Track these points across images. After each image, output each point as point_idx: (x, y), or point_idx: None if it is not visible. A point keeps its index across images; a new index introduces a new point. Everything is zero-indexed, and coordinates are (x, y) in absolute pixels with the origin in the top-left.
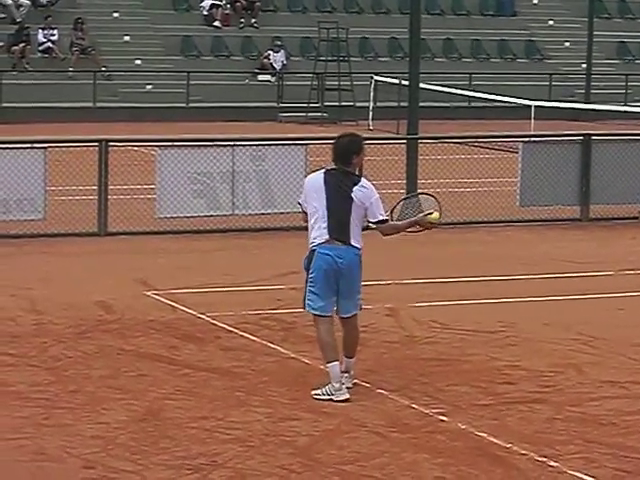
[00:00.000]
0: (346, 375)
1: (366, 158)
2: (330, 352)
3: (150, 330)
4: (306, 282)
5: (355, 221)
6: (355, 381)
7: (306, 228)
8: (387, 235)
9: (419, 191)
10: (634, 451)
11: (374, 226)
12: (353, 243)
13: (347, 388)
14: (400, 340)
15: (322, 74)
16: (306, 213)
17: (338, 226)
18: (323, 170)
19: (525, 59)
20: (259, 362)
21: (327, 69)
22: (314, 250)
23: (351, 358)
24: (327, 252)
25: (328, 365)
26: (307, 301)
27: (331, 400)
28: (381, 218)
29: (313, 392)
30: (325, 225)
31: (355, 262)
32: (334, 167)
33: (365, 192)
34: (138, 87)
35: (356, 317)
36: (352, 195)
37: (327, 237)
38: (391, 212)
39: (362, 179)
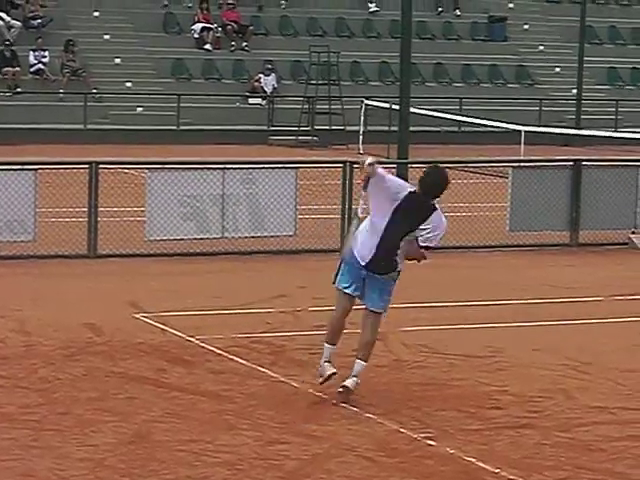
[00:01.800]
0: (352, 379)
1: (356, 182)
2: (329, 333)
3: (139, 353)
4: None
5: (403, 245)
6: (344, 405)
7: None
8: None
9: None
10: (622, 477)
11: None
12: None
13: (344, 387)
14: (389, 364)
15: (313, 98)
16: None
17: (384, 254)
18: (410, 188)
19: (516, 84)
20: (248, 385)
21: (318, 93)
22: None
23: (362, 361)
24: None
25: (326, 345)
26: (338, 276)
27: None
28: (423, 244)
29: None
30: (373, 246)
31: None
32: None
33: (437, 220)
34: (129, 109)
35: (377, 320)
36: (421, 226)
37: (368, 259)
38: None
39: (437, 210)
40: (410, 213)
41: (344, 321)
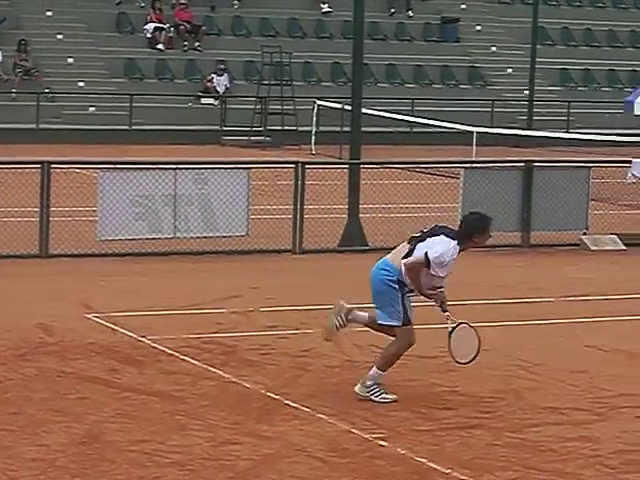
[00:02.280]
0: (360, 383)
1: (308, 182)
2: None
3: (91, 353)
4: None
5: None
6: (295, 405)
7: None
8: (407, 276)
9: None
10: (573, 477)
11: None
12: (388, 261)
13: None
14: (340, 365)
15: (265, 98)
16: None
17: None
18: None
19: (468, 85)
20: (200, 386)
21: (270, 93)
22: None
23: (376, 368)
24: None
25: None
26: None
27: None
28: (429, 256)
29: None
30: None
31: (380, 279)
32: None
33: (447, 243)
34: (81, 109)
35: (396, 331)
36: (435, 238)
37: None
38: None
39: (456, 240)
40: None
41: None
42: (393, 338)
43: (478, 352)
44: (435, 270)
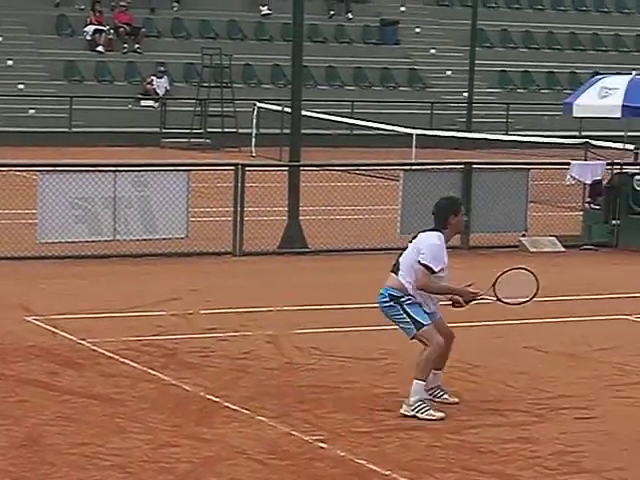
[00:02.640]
0: (405, 403)
1: (248, 185)
2: None
3: (30, 356)
4: None
5: (406, 260)
6: (235, 407)
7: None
8: (420, 288)
9: (527, 270)
10: (512, 479)
11: (417, 266)
12: (399, 278)
13: (407, 406)
14: (280, 367)
15: (205, 100)
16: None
17: (393, 271)
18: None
19: (407, 87)
20: (139, 389)
21: (210, 95)
22: None
23: (415, 380)
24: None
25: None
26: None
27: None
28: (422, 262)
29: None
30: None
31: (381, 303)
32: None
33: (427, 236)
34: (21, 111)
35: (419, 338)
36: (417, 237)
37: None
38: (493, 285)
39: (437, 231)
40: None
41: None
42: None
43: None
44: (433, 265)
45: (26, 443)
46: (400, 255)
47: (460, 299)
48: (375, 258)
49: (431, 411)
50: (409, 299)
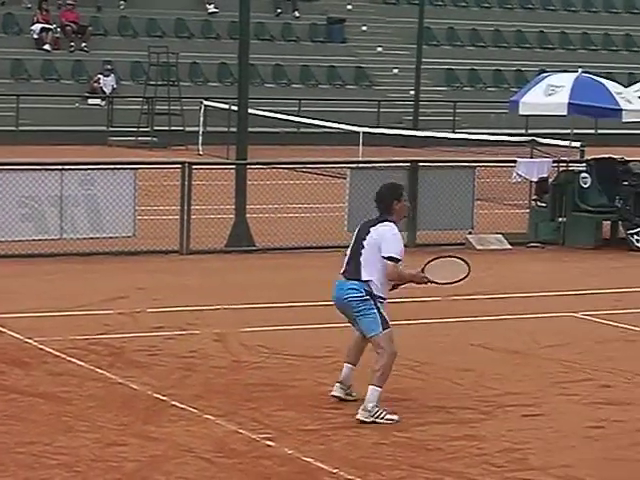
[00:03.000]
0: (361, 409)
1: (195, 183)
2: (345, 355)
3: None
4: None
5: (368, 256)
6: (182, 406)
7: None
8: (391, 279)
9: (455, 255)
10: (459, 476)
11: (384, 260)
12: (362, 278)
13: (360, 420)
14: (228, 365)
15: (152, 98)
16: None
17: (349, 262)
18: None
19: (354, 85)
20: (86, 387)
21: (157, 93)
22: None
23: (372, 386)
24: (336, 284)
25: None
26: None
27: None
28: (389, 255)
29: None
30: (344, 262)
31: (352, 292)
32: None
33: (383, 229)
34: None
35: (377, 340)
36: (369, 233)
37: (340, 273)
38: (424, 265)
39: (387, 221)
40: (364, 225)
41: (354, 345)
42: None
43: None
44: (399, 255)
45: None
46: (353, 253)
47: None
48: (322, 256)
49: (389, 415)
50: (381, 299)
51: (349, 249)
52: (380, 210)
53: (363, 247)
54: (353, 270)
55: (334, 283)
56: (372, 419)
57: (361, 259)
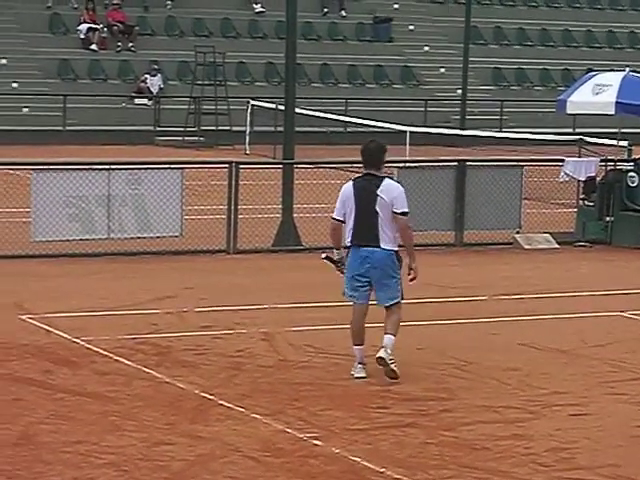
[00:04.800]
0: (383, 350)
1: (242, 183)
2: (354, 338)
3: (25, 354)
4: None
5: (385, 222)
6: (229, 405)
7: None
8: (405, 236)
9: None
10: (507, 476)
11: (398, 216)
12: (382, 246)
13: (380, 357)
14: (275, 364)
15: (199, 98)
16: (340, 221)
17: (364, 230)
18: (351, 180)
19: (401, 85)
20: (134, 387)
21: (204, 93)
22: (348, 248)
23: (391, 335)
24: (358, 253)
25: (353, 347)
26: (345, 287)
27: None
28: (402, 210)
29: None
30: (352, 230)
31: (385, 261)
32: (361, 175)
33: (389, 187)
34: (15, 110)
35: (397, 305)
36: (377, 193)
37: (352, 242)
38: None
39: (386, 178)
40: (364, 187)
41: (361, 323)
42: None
43: None
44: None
45: (21, 441)
46: (367, 220)
47: None
48: None
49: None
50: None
51: (353, 215)
52: (371, 166)
53: (377, 213)
54: (372, 238)
55: (356, 251)
56: (392, 361)
57: (379, 227)
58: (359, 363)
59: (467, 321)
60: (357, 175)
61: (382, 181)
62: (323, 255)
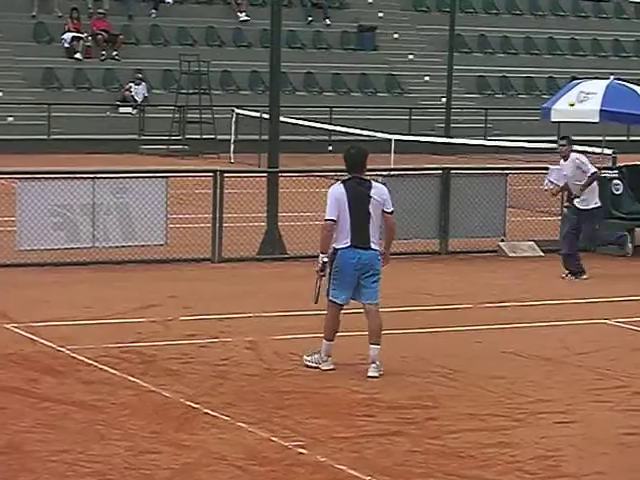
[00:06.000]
0: (373, 366)
1: (227, 191)
2: (331, 334)
3: (10, 363)
4: (330, 275)
5: (375, 221)
6: (215, 414)
7: None
8: (392, 233)
9: None
10: None
11: (388, 215)
12: (372, 246)
13: (372, 377)
14: (260, 373)
15: (183, 107)
16: (334, 222)
17: (360, 232)
18: (339, 182)
19: (385, 93)
20: (119, 395)
21: (188, 102)
22: (337, 251)
23: (376, 345)
24: (353, 254)
25: (324, 342)
26: (331, 291)
27: (318, 368)
28: (391, 209)
29: (305, 356)
30: (348, 232)
31: (374, 260)
32: (349, 177)
33: (379, 189)
34: None
35: (377, 307)
36: (371, 194)
37: (350, 243)
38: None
39: (371, 181)
40: (355, 189)
41: (337, 321)
42: None
43: None
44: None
45: (6, 450)
46: (361, 222)
47: None
48: None
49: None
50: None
51: (347, 216)
52: (355, 171)
53: (370, 215)
54: (366, 239)
55: (351, 251)
56: (381, 373)
57: (370, 228)
58: (328, 356)
59: (452, 329)
60: (345, 178)
61: (371, 183)
62: (319, 266)
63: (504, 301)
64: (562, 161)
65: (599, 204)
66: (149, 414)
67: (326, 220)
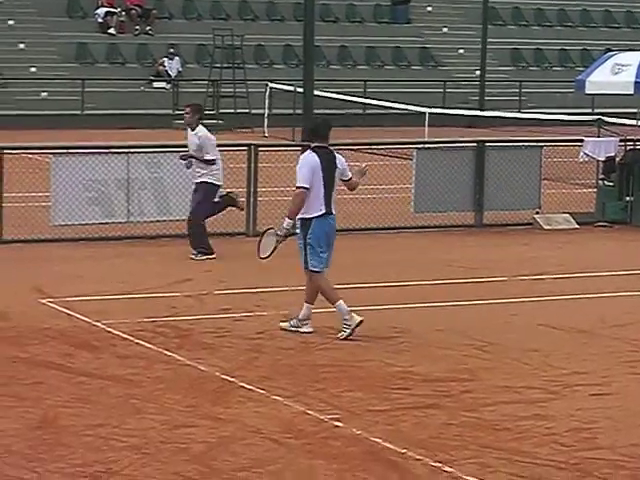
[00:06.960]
0: (306, 322)
1: (261, 165)
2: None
3: (45, 338)
4: (305, 247)
5: (334, 190)
6: (250, 387)
7: None
8: (353, 189)
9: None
10: (528, 456)
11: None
12: (334, 212)
13: (307, 332)
14: (296, 346)
15: (217, 81)
16: (307, 189)
17: (330, 199)
18: (310, 151)
19: (419, 66)
20: (154, 369)
21: (222, 76)
22: (311, 219)
23: (310, 303)
24: (326, 221)
25: (307, 305)
26: (312, 262)
27: (298, 332)
28: (351, 175)
29: (281, 323)
30: (323, 199)
31: (335, 225)
32: (317, 145)
33: (339, 158)
34: (33, 94)
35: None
36: (337, 164)
37: (325, 210)
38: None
39: (334, 151)
40: (326, 160)
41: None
42: None
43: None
44: None
45: (42, 425)
46: (329, 189)
47: None
48: (389, 237)
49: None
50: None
51: (320, 184)
52: (323, 140)
53: (334, 183)
54: (333, 206)
55: (324, 219)
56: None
57: (333, 195)
58: (308, 319)
59: (486, 302)
60: (315, 145)
61: (334, 152)
62: (281, 232)
63: (539, 274)
64: None
65: None
66: (184, 388)
67: (301, 187)
